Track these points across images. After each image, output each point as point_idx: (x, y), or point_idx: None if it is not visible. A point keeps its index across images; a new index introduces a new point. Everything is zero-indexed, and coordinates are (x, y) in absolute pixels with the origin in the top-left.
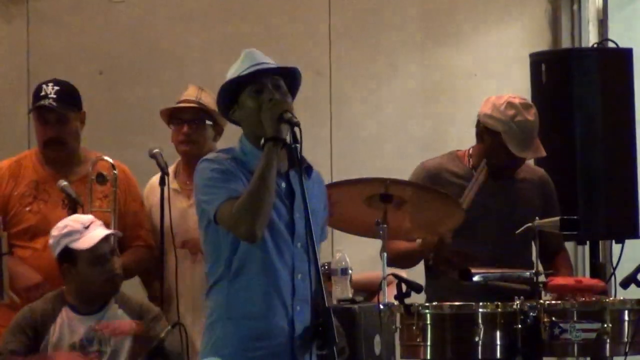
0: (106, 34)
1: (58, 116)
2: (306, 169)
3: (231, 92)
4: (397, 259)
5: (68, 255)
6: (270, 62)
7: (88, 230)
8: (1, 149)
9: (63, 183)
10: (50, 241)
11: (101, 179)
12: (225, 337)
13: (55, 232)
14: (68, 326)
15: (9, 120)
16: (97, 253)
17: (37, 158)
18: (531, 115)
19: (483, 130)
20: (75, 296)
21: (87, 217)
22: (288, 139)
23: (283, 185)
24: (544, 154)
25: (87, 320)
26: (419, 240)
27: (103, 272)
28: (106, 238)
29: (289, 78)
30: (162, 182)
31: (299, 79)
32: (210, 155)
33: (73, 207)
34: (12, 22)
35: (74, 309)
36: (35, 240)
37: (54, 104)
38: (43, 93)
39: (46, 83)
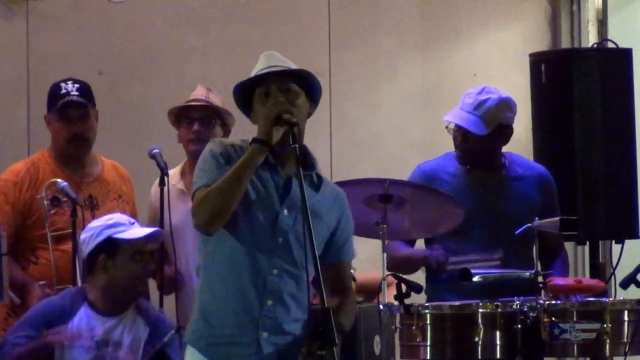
0: (106, 34)
1: (81, 113)
2: (317, 177)
3: (246, 95)
4: (399, 266)
5: (109, 246)
6: (286, 65)
7: (134, 226)
8: (1, 148)
9: (62, 184)
10: (87, 235)
11: (56, 201)
12: (195, 324)
13: (96, 223)
14: (87, 324)
15: (9, 119)
16: (141, 248)
17: (52, 160)
18: (482, 94)
19: None
20: (101, 293)
21: (130, 218)
22: (287, 142)
23: (281, 182)
24: (458, 122)
25: (106, 321)
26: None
27: (140, 270)
28: (152, 237)
29: (306, 81)
30: (161, 183)
31: (315, 81)
32: (217, 138)
33: (73, 207)
34: (12, 22)
35: (94, 308)
36: (64, 242)
37: (81, 99)
38: (64, 91)
39: (64, 81)
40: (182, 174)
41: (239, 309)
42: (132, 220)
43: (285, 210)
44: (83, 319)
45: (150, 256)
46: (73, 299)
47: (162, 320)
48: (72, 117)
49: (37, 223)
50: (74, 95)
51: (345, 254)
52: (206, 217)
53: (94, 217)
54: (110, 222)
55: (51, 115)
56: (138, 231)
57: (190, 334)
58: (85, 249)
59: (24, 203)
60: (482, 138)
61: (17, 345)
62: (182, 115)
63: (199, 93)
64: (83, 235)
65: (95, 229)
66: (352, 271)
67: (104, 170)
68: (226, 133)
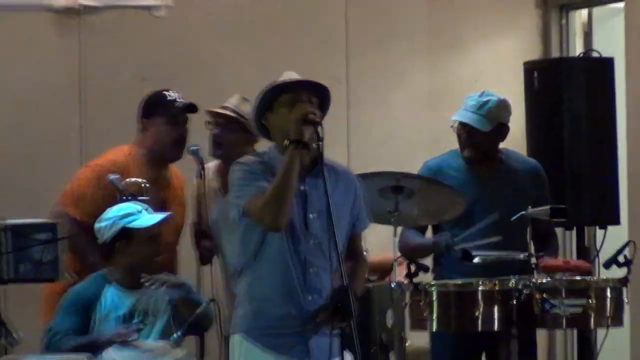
0: (149, 46)
1: (184, 118)
2: (329, 169)
3: (268, 101)
4: (413, 254)
5: (125, 234)
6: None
7: (143, 213)
8: (54, 158)
9: (112, 176)
10: (102, 224)
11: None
12: (245, 316)
13: (110, 214)
14: (113, 302)
15: (62, 129)
16: (152, 232)
17: (143, 158)
18: (483, 96)
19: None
20: (124, 273)
21: (140, 204)
22: (313, 139)
23: (301, 187)
24: (465, 120)
25: (131, 295)
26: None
27: (153, 250)
28: (161, 222)
29: (321, 96)
30: (199, 176)
31: (329, 98)
32: (242, 159)
33: (121, 200)
34: (65, 35)
35: (119, 285)
36: None
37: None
38: (171, 97)
39: (164, 90)
40: (219, 172)
41: (286, 304)
42: (140, 208)
43: (311, 215)
44: (110, 297)
45: (160, 236)
46: (97, 284)
47: (174, 280)
48: (179, 121)
49: None
50: (181, 101)
51: (360, 225)
52: (273, 217)
53: None
54: (122, 212)
55: (156, 119)
56: (148, 218)
57: (242, 324)
58: (102, 237)
59: (113, 194)
60: (484, 134)
61: (70, 330)
62: (210, 119)
63: (230, 101)
64: (98, 225)
65: (110, 219)
66: (365, 253)
67: (173, 176)
68: (251, 140)
